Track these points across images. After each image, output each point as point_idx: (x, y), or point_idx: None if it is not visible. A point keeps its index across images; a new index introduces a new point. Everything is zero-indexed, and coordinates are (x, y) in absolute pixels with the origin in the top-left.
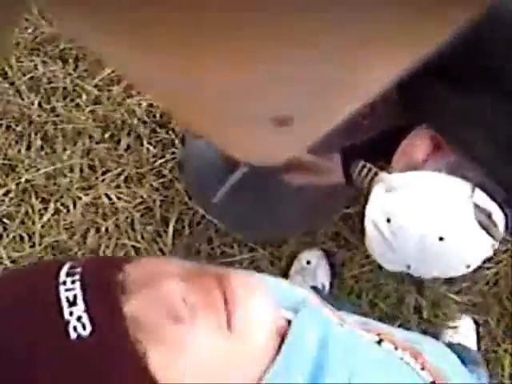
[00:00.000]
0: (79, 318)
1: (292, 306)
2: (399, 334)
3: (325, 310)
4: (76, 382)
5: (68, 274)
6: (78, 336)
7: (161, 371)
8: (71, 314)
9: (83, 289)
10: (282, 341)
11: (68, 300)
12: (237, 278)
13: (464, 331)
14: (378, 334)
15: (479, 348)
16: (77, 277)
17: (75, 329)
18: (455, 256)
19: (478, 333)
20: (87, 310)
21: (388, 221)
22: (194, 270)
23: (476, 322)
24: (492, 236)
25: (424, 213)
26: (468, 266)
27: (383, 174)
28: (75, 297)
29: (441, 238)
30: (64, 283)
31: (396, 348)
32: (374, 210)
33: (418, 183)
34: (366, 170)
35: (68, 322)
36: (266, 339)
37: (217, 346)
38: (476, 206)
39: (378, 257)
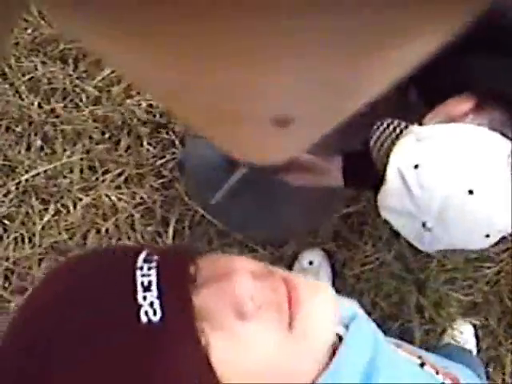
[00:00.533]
0: (151, 304)
1: (342, 321)
2: (428, 356)
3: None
4: (140, 363)
5: (145, 261)
6: (149, 321)
7: (220, 362)
8: (144, 298)
9: (158, 276)
10: (333, 354)
11: (143, 285)
12: (303, 281)
13: (464, 336)
14: (419, 357)
15: (479, 351)
16: (153, 264)
17: (146, 313)
18: (479, 217)
19: (476, 337)
20: (160, 297)
21: (416, 167)
22: (263, 269)
23: (474, 326)
24: None
25: (457, 163)
26: (487, 236)
27: (414, 127)
28: (150, 283)
29: (470, 192)
30: (141, 269)
31: (437, 372)
32: (401, 157)
33: (454, 133)
34: (393, 126)
35: (140, 306)
36: (324, 344)
37: (276, 344)
38: None
39: (392, 211)
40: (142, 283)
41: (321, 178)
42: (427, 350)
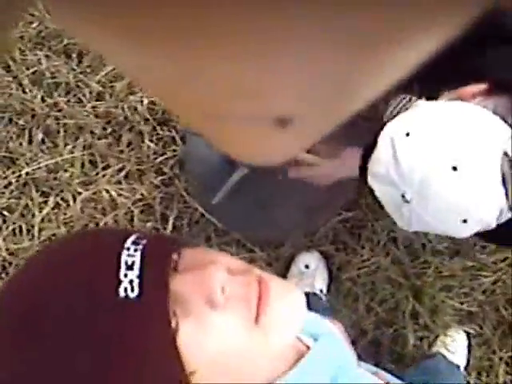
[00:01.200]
0: (131, 282)
1: (314, 335)
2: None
3: (346, 345)
4: (112, 334)
5: (133, 243)
6: (126, 296)
7: (186, 346)
8: (126, 275)
9: (142, 258)
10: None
11: (127, 264)
12: (276, 281)
13: (456, 345)
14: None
15: (468, 362)
16: (140, 247)
17: (125, 290)
18: (459, 198)
19: (469, 347)
20: (140, 276)
21: (407, 135)
22: (241, 267)
23: (468, 334)
24: (507, 196)
25: (448, 137)
26: (464, 221)
27: (422, 101)
28: (133, 263)
29: (454, 168)
30: (128, 249)
31: None
32: (395, 125)
33: (454, 109)
34: (405, 101)
35: (121, 282)
36: (285, 343)
37: (240, 335)
38: (505, 154)
39: (378, 178)
40: (126, 262)
41: (335, 170)
42: (418, 354)
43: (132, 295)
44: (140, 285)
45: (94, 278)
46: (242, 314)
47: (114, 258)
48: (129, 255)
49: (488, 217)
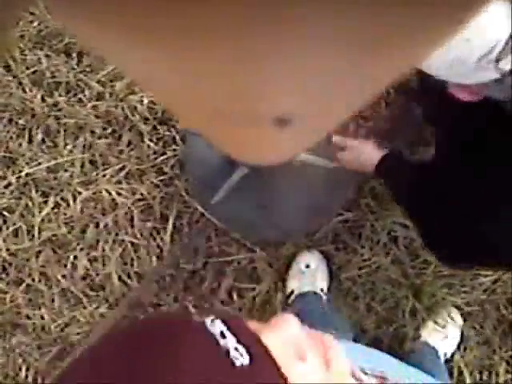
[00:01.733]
0: (236, 349)
1: None
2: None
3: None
4: None
5: (201, 316)
6: (242, 364)
7: None
8: (226, 344)
9: (225, 325)
10: None
11: (220, 334)
12: (327, 337)
13: (447, 330)
14: None
15: (453, 355)
16: (213, 317)
17: (236, 358)
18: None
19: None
20: (239, 342)
21: None
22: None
23: (462, 334)
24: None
25: None
26: (467, 41)
27: None
28: (222, 331)
29: None
30: (204, 322)
31: None
32: None
33: None
34: None
35: (229, 352)
36: (348, 381)
37: (322, 381)
38: None
39: None
40: (219, 332)
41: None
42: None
43: (246, 362)
44: (247, 350)
45: (200, 354)
46: (319, 363)
47: (203, 331)
48: (212, 326)
49: (480, 41)
